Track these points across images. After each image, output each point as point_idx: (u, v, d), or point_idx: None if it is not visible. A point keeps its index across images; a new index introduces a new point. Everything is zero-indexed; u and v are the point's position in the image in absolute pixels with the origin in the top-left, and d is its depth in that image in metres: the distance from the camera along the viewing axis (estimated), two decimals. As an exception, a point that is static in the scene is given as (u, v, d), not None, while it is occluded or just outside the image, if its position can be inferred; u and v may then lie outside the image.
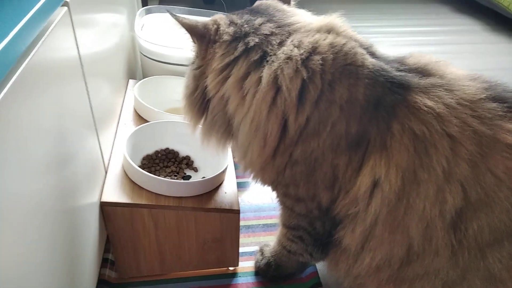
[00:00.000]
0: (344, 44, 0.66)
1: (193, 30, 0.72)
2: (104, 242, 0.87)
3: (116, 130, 1.00)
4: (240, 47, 0.67)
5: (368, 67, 0.64)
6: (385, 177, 0.61)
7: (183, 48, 1.28)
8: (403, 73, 0.65)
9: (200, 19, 1.56)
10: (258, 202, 1.13)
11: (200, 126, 0.78)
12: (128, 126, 1.01)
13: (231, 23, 0.71)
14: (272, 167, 0.69)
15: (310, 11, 0.77)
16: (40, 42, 0.53)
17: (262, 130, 0.66)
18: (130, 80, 1.21)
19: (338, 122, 0.63)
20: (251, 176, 0.76)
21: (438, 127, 0.60)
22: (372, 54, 0.68)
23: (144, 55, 1.24)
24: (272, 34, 0.68)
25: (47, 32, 0.56)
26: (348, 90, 0.63)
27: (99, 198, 0.79)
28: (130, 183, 0.83)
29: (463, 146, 0.59)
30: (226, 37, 0.69)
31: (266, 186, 0.77)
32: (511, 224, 0.57)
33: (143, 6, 1.52)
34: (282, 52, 0.65)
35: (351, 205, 0.65)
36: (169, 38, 1.34)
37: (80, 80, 0.71)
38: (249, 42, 0.67)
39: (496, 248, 0.58)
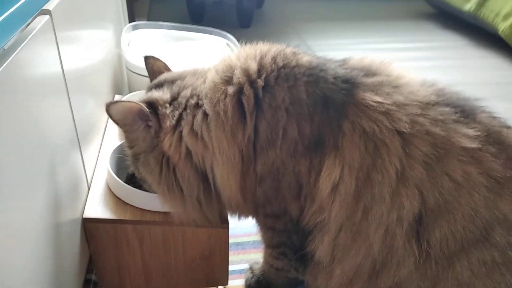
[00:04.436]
0: (267, 50, 0.66)
1: (141, 115, 0.67)
2: (87, 262, 0.83)
3: (101, 146, 0.97)
4: (180, 101, 0.67)
5: (304, 65, 0.63)
6: (340, 178, 0.59)
7: (169, 63, 1.27)
8: (347, 70, 0.64)
9: (190, 35, 1.54)
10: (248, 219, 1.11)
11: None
12: (113, 140, 0.99)
13: (158, 90, 0.71)
14: (248, 192, 0.67)
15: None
16: (19, 48, 0.51)
17: (228, 158, 0.64)
18: (116, 95, 1.20)
19: (289, 126, 0.61)
20: (237, 214, 0.74)
21: (388, 124, 0.58)
22: (309, 54, 0.67)
23: (130, 70, 1.23)
24: (195, 80, 0.70)
25: (26, 40, 0.54)
26: (289, 92, 0.62)
27: (81, 214, 0.76)
28: (114, 198, 0.80)
29: (416, 147, 0.57)
30: (166, 97, 0.68)
31: (251, 217, 0.76)
32: (476, 230, 0.55)
33: (130, 22, 1.52)
34: (209, 81, 0.67)
35: (318, 213, 0.63)
36: (155, 53, 1.33)
37: (63, 95, 0.70)
38: (185, 95, 0.68)
39: (464, 256, 0.55)
